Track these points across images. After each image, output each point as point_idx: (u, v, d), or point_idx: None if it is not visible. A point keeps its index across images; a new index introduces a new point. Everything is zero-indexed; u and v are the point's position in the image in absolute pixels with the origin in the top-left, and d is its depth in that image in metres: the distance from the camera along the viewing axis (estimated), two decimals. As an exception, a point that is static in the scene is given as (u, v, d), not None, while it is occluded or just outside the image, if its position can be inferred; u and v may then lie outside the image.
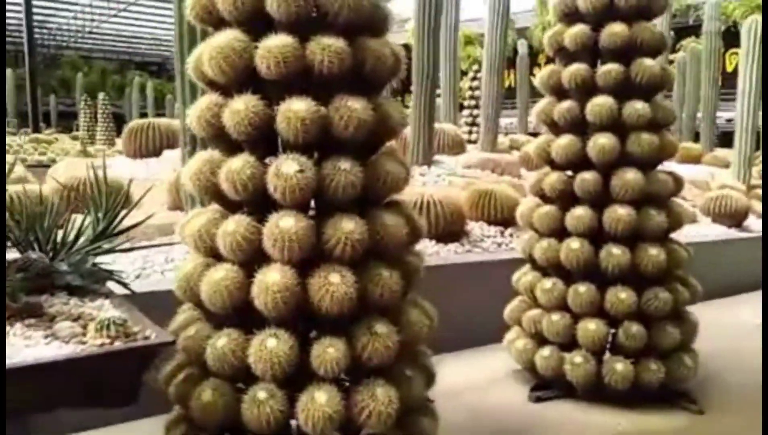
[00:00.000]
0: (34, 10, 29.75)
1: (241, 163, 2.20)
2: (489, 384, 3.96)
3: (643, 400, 3.61)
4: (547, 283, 3.68)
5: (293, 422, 2.17)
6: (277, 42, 2.19)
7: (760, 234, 7.47)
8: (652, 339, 3.55)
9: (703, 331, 3.81)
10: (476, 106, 14.24)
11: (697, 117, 14.92)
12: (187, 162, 2.49)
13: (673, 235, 3.77)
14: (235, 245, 2.17)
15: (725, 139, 14.44)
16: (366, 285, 2.19)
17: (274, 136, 2.24)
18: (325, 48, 2.20)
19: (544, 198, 3.81)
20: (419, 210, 5.04)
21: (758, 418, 3.15)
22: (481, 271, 4.74)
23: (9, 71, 33.95)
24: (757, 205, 8.36)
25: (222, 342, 2.15)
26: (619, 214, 3.51)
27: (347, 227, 2.17)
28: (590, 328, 3.52)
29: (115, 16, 39.47)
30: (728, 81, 16.33)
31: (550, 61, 4.02)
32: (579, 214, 3.59)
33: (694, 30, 18.77)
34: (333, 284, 2.11)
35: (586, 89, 3.66)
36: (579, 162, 3.67)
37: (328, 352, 2.09)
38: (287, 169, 2.15)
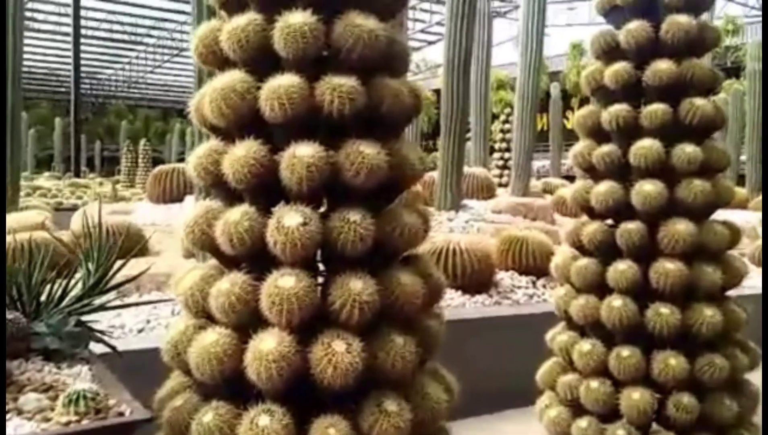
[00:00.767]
0: (85, 62, 30.94)
1: (239, 215, 1.98)
2: (520, 457, 3.62)
3: (697, 480, 3.21)
4: (586, 345, 3.33)
5: None
6: (283, 82, 1.99)
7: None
8: (706, 411, 3.14)
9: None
10: (507, 150, 14.02)
11: (741, 159, 14.45)
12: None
13: (730, 293, 3.41)
14: (228, 306, 1.93)
15: None
16: (376, 354, 1.92)
17: (278, 185, 2.01)
18: (336, 88, 1.99)
19: (582, 249, 3.50)
20: (445, 258, 4.78)
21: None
22: (510, 326, 4.42)
23: (57, 120, 35.33)
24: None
25: (208, 417, 1.89)
26: (667, 268, 3.16)
27: (355, 287, 1.91)
28: (635, 397, 3.14)
29: (159, 67, 40.80)
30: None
31: (583, 103, 3.76)
32: (622, 269, 3.26)
33: (733, 71, 18.42)
34: (337, 353, 1.84)
35: (629, 131, 3.37)
36: (621, 210, 3.36)
37: (328, 432, 1.81)
38: (289, 221, 1.92)
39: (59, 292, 2.25)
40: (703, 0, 3.41)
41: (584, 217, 3.60)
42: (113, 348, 2.18)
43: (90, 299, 2.22)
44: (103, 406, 1.67)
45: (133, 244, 4.26)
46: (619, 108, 3.36)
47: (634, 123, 3.36)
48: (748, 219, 9.84)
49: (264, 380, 1.84)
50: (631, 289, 3.24)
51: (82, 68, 28.73)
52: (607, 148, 3.40)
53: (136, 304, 2.58)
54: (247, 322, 1.94)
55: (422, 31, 32.43)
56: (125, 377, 2.17)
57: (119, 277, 2.43)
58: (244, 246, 1.96)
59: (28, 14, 26.35)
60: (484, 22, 11.65)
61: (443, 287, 2.30)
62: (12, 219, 5.47)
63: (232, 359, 1.90)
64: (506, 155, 14.54)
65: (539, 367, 3.68)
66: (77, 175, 24.69)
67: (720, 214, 3.48)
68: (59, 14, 31.58)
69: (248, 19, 2.08)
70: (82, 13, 27.67)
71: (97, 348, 2.29)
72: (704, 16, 3.65)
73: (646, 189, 3.22)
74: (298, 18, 2.00)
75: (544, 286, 5.27)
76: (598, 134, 3.53)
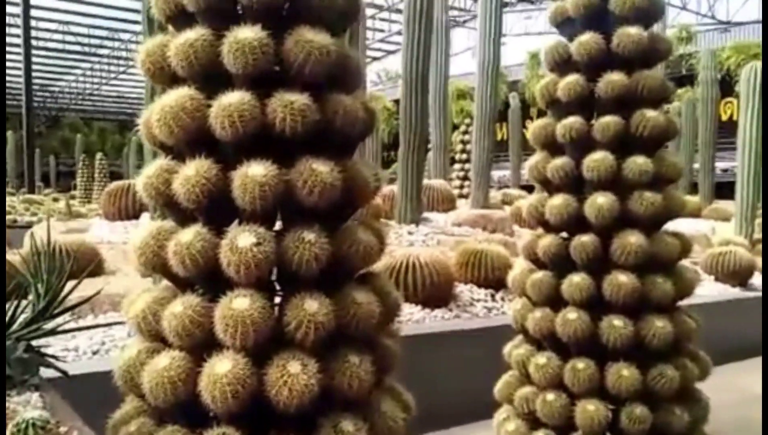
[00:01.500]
0: (37, 74, 30.18)
1: (191, 236, 1.94)
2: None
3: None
4: (542, 358, 3.34)
5: None
6: (234, 99, 1.96)
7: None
8: (658, 422, 3.17)
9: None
10: (468, 160, 14.12)
11: (694, 167, 14.79)
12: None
13: (682, 303, 3.46)
14: (181, 329, 1.89)
15: (721, 190, 14.26)
16: (332, 374, 1.90)
17: (231, 204, 1.98)
18: (288, 105, 1.97)
19: (538, 262, 3.53)
20: (405, 273, 4.77)
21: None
22: (469, 340, 4.42)
23: (9, 133, 34.39)
24: (763, 261, 8.07)
25: (162, 444, 1.84)
26: (620, 281, 3.20)
27: (311, 308, 1.89)
28: (589, 409, 3.16)
29: (114, 78, 40.07)
30: (723, 130, 16.26)
31: (542, 113, 3.80)
32: (576, 282, 3.29)
33: (688, 80, 18.85)
34: (292, 374, 1.82)
35: (582, 144, 3.41)
36: (575, 223, 3.39)
37: (285, 456, 1.79)
38: (243, 242, 1.89)
39: (7, 317, 2.18)
40: (654, 11, 3.45)
41: (540, 230, 3.62)
42: (64, 373, 2.12)
43: (40, 324, 2.15)
44: (54, 434, 1.62)
45: (88, 264, 4.17)
46: (573, 121, 3.40)
47: (588, 135, 3.40)
48: (700, 227, 10.07)
49: (219, 403, 1.80)
50: (586, 301, 3.27)
51: (34, 80, 28.05)
52: (560, 160, 3.44)
53: (90, 328, 2.51)
54: (201, 344, 1.90)
55: (382, 40, 32.53)
56: (78, 402, 2.10)
57: (73, 299, 2.37)
58: (197, 267, 1.92)
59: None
60: (442, 32, 11.73)
61: (400, 305, 2.29)
62: (-41, 238, 5.28)
63: (187, 383, 1.86)
64: (467, 166, 14.63)
65: (498, 381, 3.68)
66: (31, 190, 24.06)
67: (673, 223, 3.53)
68: (8, 24, 30.86)
69: (197, 34, 2.04)
70: (33, 23, 27.07)
71: (49, 373, 2.22)
72: (657, 27, 3.72)
73: (599, 202, 3.26)
74: (247, 33, 1.98)
75: (503, 299, 5.30)
76: (553, 147, 3.56)
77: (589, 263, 3.32)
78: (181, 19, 2.12)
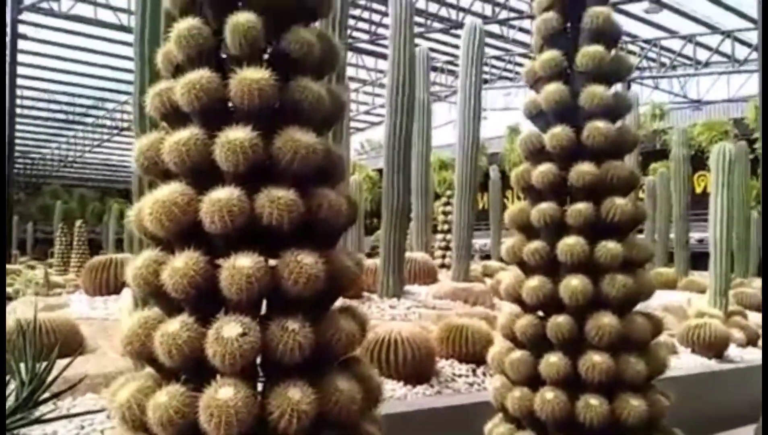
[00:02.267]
0: (20, 141, 30.24)
1: (178, 326, 2.01)
2: None
3: None
4: (522, 437, 3.40)
5: None
6: (224, 195, 2.07)
7: (742, 364, 7.27)
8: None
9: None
10: (449, 231, 14.29)
11: (670, 237, 15.07)
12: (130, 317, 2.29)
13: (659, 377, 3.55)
14: (166, 420, 1.94)
15: (697, 260, 14.53)
16: (314, 463, 1.95)
17: (218, 294, 2.06)
18: (275, 201, 2.08)
19: (516, 341, 3.61)
20: (387, 349, 4.81)
21: None
22: (451, 417, 4.44)
23: (-12, 199, 33.84)
24: (738, 334, 8.20)
25: None
26: (595, 360, 3.30)
27: (294, 397, 1.95)
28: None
29: (98, 146, 40.26)
30: (697, 203, 16.68)
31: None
32: (553, 361, 3.38)
33: (662, 154, 19.38)
34: (275, 465, 1.86)
35: (556, 228, 3.56)
36: (551, 304, 3.51)
37: None
38: (228, 332, 1.96)
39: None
40: (621, 106, 3.67)
41: (517, 309, 3.72)
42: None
43: (24, 413, 2.17)
44: None
45: (71, 344, 4.16)
46: (546, 206, 3.56)
47: (561, 220, 3.55)
48: (676, 299, 10.22)
49: (202, 494, 1.83)
50: (563, 380, 3.35)
51: (17, 147, 28.10)
52: (536, 244, 3.57)
53: (74, 416, 2.53)
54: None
55: (366, 112, 33.23)
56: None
57: (56, 383, 2.39)
58: (182, 357, 1.99)
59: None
60: (424, 107, 12.06)
61: (381, 390, 2.35)
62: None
63: (170, 474, 1.90)
64: (448, 237, 14.79)
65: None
66: (7, 260, 23.71)
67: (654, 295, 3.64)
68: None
69: (190, 133, 2.16)
70: (19, 92, 27.31)
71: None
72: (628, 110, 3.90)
73: (573, 284, 3.39)
74: (238, 134, 2.10)
75: (484, 374, 5.33)
76: (528, 230, 3.71)
77: (565, 343, 3.41)
78: (175, 118, 2.25)
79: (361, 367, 2.30)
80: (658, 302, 8.26)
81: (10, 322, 4.62)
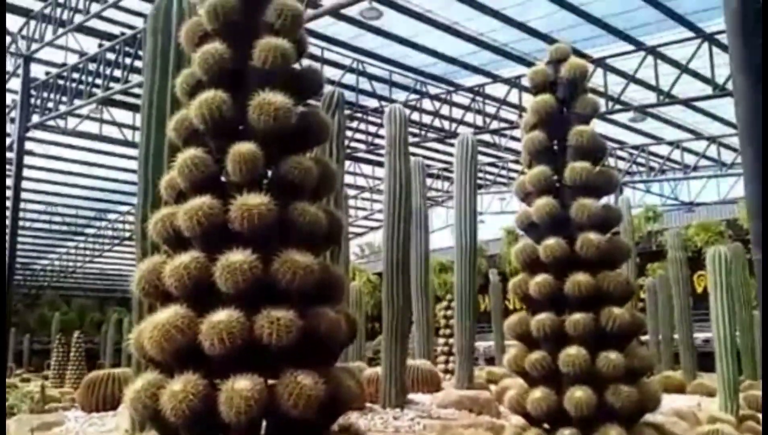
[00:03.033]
0: (20, 253, 30.36)
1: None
2: None
3: None
4: None
5: None
6: (223, 317, 2.10)
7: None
8: None
9: None
10: (451, 335, 14.10)
11: (674, 338, 14.83)
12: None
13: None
14: None
15: (704, 360, 14.25)
16: None
17: (217, 417, 2.04)
18: (274, 321, 2.11)
19: (523, 457, 3.52)
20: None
21: None
22: None
23: (-15, 311, 33.57)
24: (751, 440, 7.95)
25: None
26: (603, 475, 3.21)
27: None
28: None
29: (99, 256, 40.37)
30: (700, 302, 16.54)
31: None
32: (562, 479, 3.28)
33: (659, 254, 19.42)
34: None
35: (556, 338, 3.55)
36: (557, 416, 3.45)
37: None
38: (226, 460, 1.93)
39: None
40: (611, 217, 3.76)
41: (522, 422, 3.65)
42: None
43: None
44: None
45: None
46: (545, 317, 3.57)
47: (560, 330, 3.55)
48: (686, 404, 9.96)
49: None
50: (572, 501, 3.24)
51: (17, 259, 28.16)
52: (537, 355, 3.55)
53: None
54: None
55: (365, 218, 33.64)
56: None
57: None
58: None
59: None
60: (421, 213, 12.19)
61: None
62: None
63: None
64: (450, 341, 14.58)
65: None
66: (2, 372, 23.24)
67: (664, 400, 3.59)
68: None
69: (191, 257, 2.22)
70: (22, 205, 27.65)
71: None
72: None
73: (577, 395, 3.34)
74: (238, 256, 2.15)
75: (490, 489, 5.13)
76: (529, 339, 3.69)
77: (572, 459, 3.32)
78: (176, 242, 2.31)
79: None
80: (668, 406, 8.05)
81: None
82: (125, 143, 15.88)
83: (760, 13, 2.93)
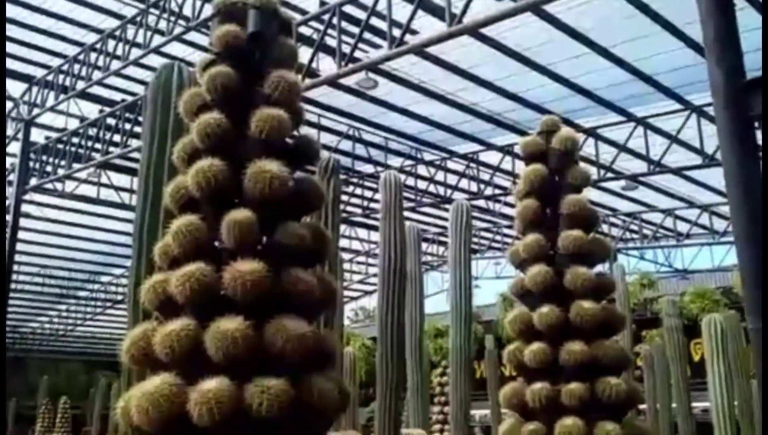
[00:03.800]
0: (11, 316, 29.97)
1: None
2: None
3: None
4: None
5: None
6: (213, 386, 2.07)
7: None
8: None
9: None
10: (447, 403, 13.83)
11: (672, 407, 14.56)
12: None
13: None
14: None
15: (704, 431, 13.94)
16: None
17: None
18: (264, 391, 2.08)
19: None
20: None
21: None
22: None
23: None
24: None
25: None
26: None
27: None
28: None
29: (90, 319, 39.84)
30: (697, 371, 16.31)
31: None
32: None
33: (655, 322, 19.26)
34: None
35: (551, 409, 3.50)
36: (554, 491, 3.36)
37: None
38: None
39: None
40: (605, 285, 3.76)
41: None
42: None
43: None
44: None
45: None
46: (540, 386, 3.52)
47: (556, 400, 3.50)
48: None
49: None
50: None
51: (7, 322, 27.78)
52: (532, 426, 3.49)
53: None
54: None
55: (360, 281, 33.40)
56: None
57: None
58: None
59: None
60: (416, 280, 12.14)
61: None
62: None
63: None
64: (446, 408, 14.29)
65: None
66: (-16, 443, 22.56)
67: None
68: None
69: (182, 324, 2.20)
70: (15, 267, 27.44)
71: None
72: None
73: (575, 470, 3.27)
74: (230, 324, 2.14)
75: None
76: (524, 410, 3.63)
77: None
78: (168, 308, 2.30)
79: None
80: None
81: None
82: (122, 206, 15.92)
83: (743, 87, 3.02)
